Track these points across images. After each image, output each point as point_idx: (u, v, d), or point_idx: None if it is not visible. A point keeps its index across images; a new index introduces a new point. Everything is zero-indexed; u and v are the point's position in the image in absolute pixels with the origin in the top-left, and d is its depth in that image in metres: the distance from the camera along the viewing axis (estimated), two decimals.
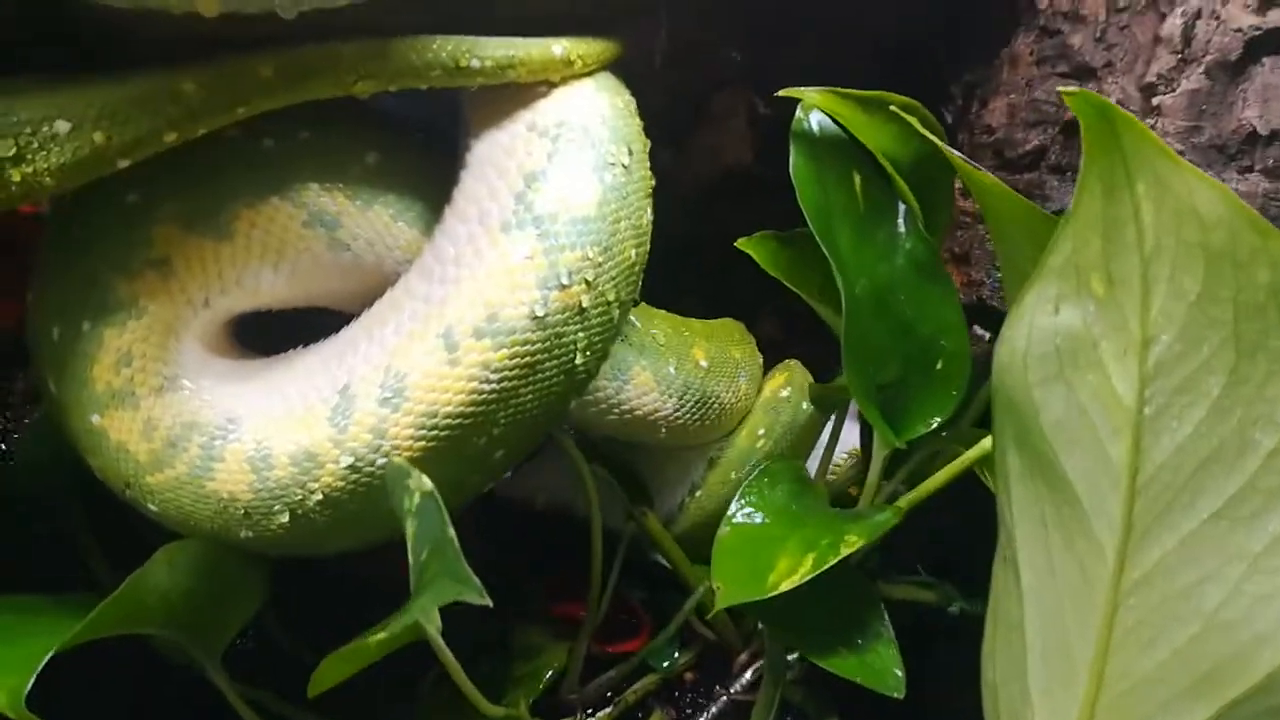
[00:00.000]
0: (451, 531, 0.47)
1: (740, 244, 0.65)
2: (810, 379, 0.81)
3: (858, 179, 0.65)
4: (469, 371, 0.56)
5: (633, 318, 0.72)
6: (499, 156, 0.59)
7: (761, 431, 0.80)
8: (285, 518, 0.56)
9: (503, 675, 0.77)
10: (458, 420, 0.56)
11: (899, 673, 0.59)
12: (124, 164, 0.50)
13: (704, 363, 0.75)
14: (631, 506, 0.74)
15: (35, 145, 0.47)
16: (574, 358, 0.59)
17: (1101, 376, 0.48)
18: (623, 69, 0.67)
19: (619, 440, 0.75)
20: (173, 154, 0.54)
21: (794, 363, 0.84)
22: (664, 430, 0.73)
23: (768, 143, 0.92)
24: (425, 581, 0.48)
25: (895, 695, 0.58)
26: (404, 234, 0.60)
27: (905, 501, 0.64)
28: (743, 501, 0.62)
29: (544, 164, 0.58)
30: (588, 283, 0.58)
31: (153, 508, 0.57)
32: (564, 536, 0.80)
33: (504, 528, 0.85)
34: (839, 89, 0.64)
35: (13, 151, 0.47)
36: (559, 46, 0.60)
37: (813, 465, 0.79)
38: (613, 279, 0.59)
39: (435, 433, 0.56)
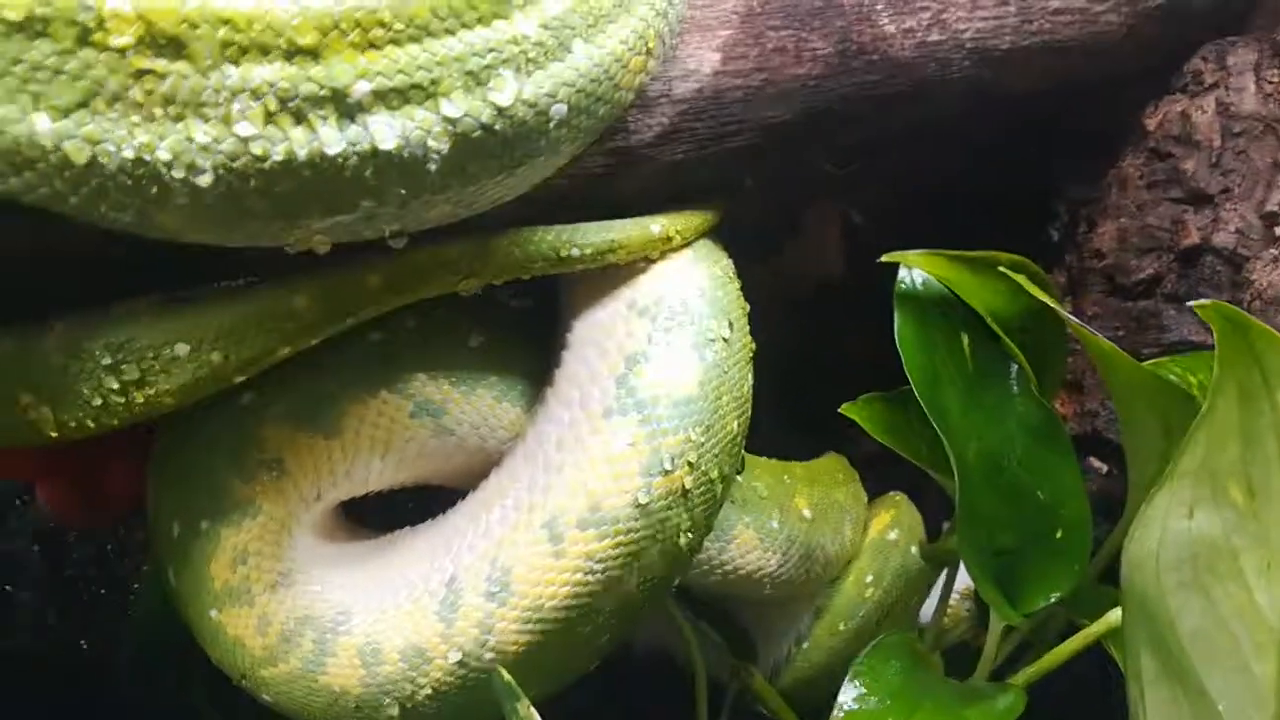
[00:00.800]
0: None
1: (846, 410, 0.64)
2: (917, 518, 0.79)
3: (965, 340, 0.64)
4: (574, 563, 0.55)
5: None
6: (599, 337, 0.59)
7: (870, 579, 0.77)
8: (395, 711, 0.56)
9: None
10: (563, 612, 0.56)
11: None
12: (240, 379, 0.51)
13: (808, 513, 0.73)
14: (735, 663, 0.73)
15: (157, 368, 0.49)
16: (678, 539, 0.58)
17: (1243, 590, 0.45)
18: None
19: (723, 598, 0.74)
20: None
21: (900, 498, 0.82)
22: (768, 587, 0.71)
23: (861, 253, 0.92)
24: None
25: None
26: (508, 414, 0.60)
27: (1025, 678, 0.61)
28: (855, 684, 0.60)
29: (644, 345, 0.58)
30: (690, 465, 0.57)
31: (267, 698, 0.58)
32: (663, 684, 0.79)
33: (599, 673, 0.84)
34: (943, 251, 0.63)
35: (136, 376, 0.49)
36: (657, 225, 0.60)
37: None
38: (715, 456, 0.59)
39: (541, 625, 0.55)
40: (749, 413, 0.63)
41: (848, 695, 0.59)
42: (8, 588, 0.77)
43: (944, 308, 0.63)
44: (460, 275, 0.54)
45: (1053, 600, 0.60)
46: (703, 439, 0.58)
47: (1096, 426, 0.77)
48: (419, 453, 0.59)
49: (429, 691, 0.55)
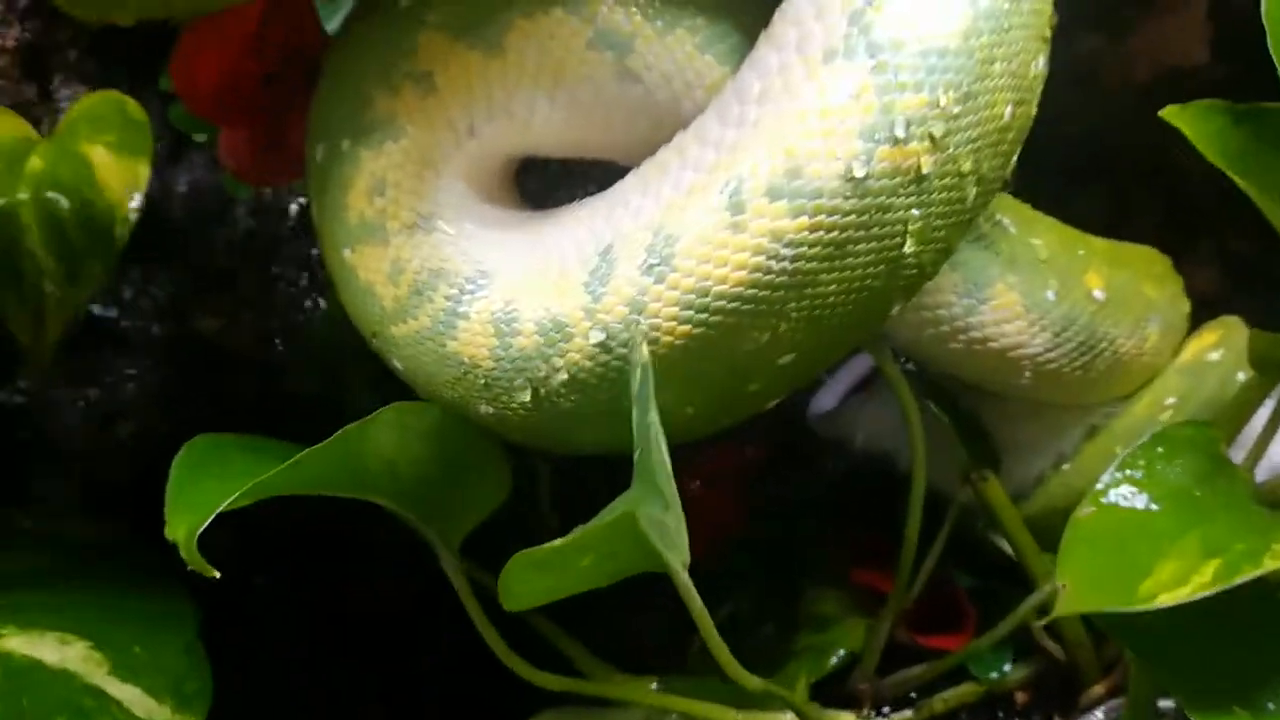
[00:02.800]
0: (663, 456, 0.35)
1: (1167, 113, 0.46)
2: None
3: None
4: (755, 241, 0.43)
5: (1006, 219, 0.55)
6: None
7: (1172, 400, 0.59)
8: (527, 396, 0.47)
9: (784, 646, 0.64)
10: (735, 303, 0.43)
11: None
12: None
13: (1099, 293, 0.56)
14: (969, 464, 0.57)
15: None
16: (902, 243, 0.44)
17: None
18: None
19: (965, 381, 0.58)
20: None
21: (1234, 320, 0.62)
22: (1028, 374, 0.55)
23: (1231, 40, 0.72)
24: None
25: None
26: (711, 71, 0.48)
27: None
28: (1121, 474, 0.44)
29: None
30: (933, 139, 0.42)
31: (397, 364, 0.50)
32: (884, 490, 0.65)
33: (811, 466, 0.72)
34: None
35: None
36: None
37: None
38: (971, 141, 0.43)
39: (705, 315, 0.44)
40: (1033, 107, 0.47)
41: (1108, 484, 0.43)
42: None
43: None
44: None
45: None
46: (957, 109, 0.43)
47: None
48: (596, 98, 0.48)
49: (565, 376, 0.46)
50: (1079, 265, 0.56)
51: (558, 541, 0.39)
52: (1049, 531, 0.57)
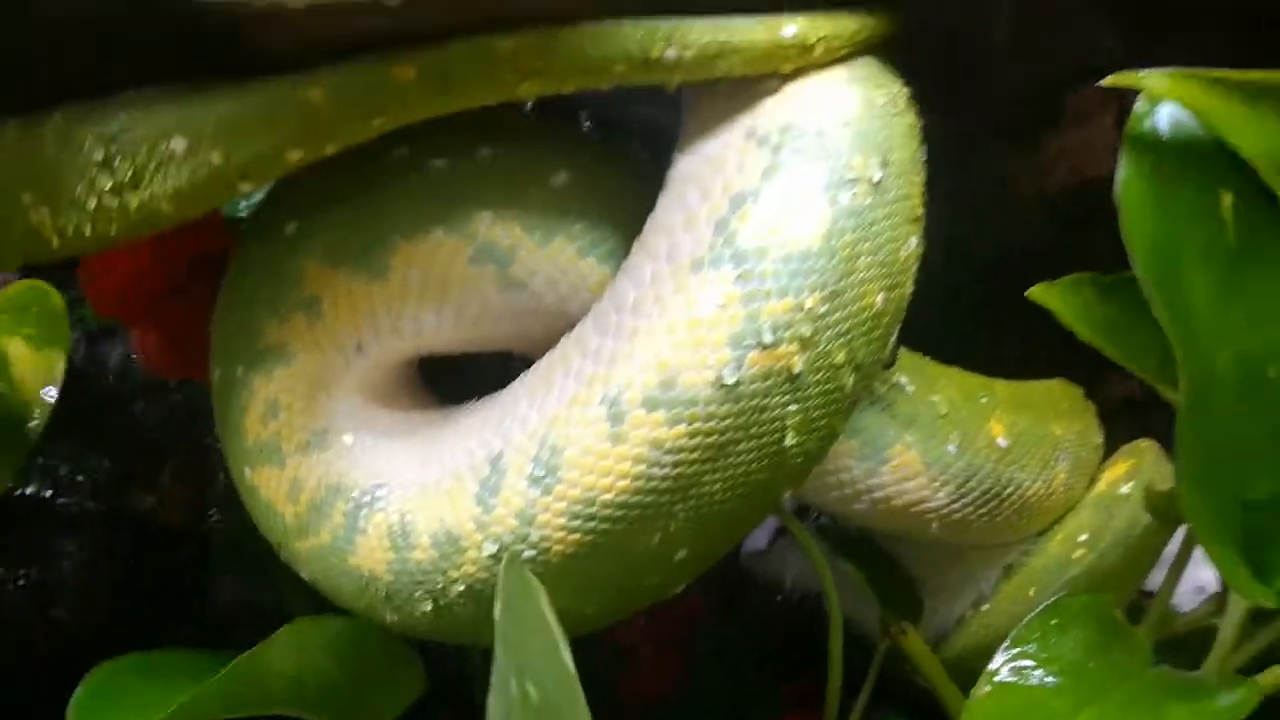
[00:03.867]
0: None
1: (1034, 294, 0.47)
2: (1168, 472, 0.60)
3: (1228, 201, 0.45)
4: (636, 451, 0.43)
5: (904, 379, 0.56)
6: (704, 173, 0.47)
7: (1084, 537, 0.60)
8: (428, 606, 0.47)
9: None
10: (621, 510, 0.44)
11: None
12: (246, 187, 0.44)
13: (1002, 441, 0.57)
14: (885, 614, 0.58)
15: (151, 167, 0.42)
16: (782, 437, 0.45)
17: None
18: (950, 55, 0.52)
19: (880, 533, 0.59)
20: (331, 178, 0.48)
21: (1148, 444, 0.63)
22: (934, 525, 0.56)
23: None
24: None
25: None
26: (594, 272, 0.49)
27: (1274, 679, 0.43)
28: (1015, 650, 0.44)
29: (757, 183, 0.45)
30: (802, 340, 0.43)
31: (305, 576, 0.51)
32: (818, 631, 0.65)
33: (748, 610, 0.72)
34: (1206, 70, 0.44)
35: (129, 174, 0.42)
36: (792, 26, 0.46)
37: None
38: (843, 334, 0.45)
39: (594, 524, 0.44)
40: (907, 288, 0.48)
41: (1003, 663, 0.44)
42: None
43: (1197, 156, 0.45)
44: (518, 75, 0.43)
45: None
46: (824, 308, 0.44)
47: None
48: (484, 309, 0.49)
49: (462, 588, 0.46)
50: (981, 415, 0.57)
51: None
52: (972, 675, 0.57)
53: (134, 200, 0.42)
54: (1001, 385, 0.60)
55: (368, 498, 0.48)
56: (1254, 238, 0.45)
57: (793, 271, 0.43)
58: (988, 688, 0.44)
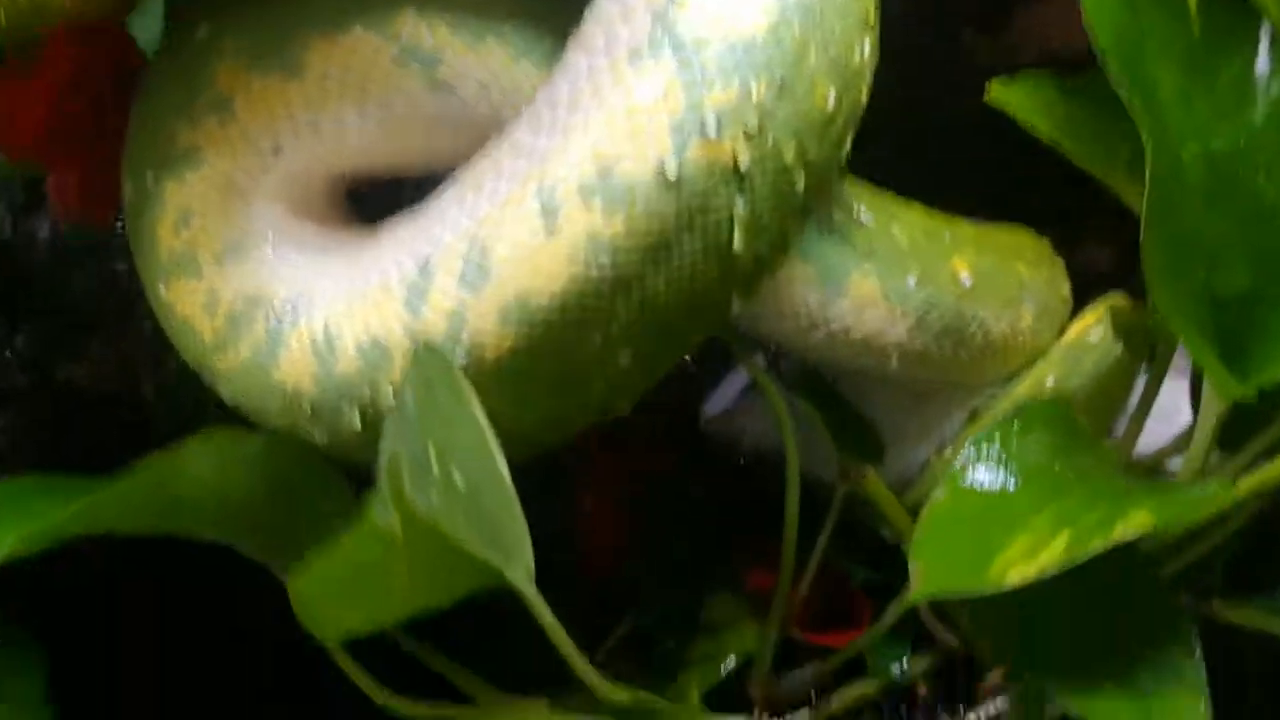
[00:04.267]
0: None
1: (994, 92, 0.45)
2: (1141, 324, 0.58)
3: None
4: (571, 245, 0.41)
5: (864, 210, 0.54)
6: None
7: (1051, 381, 0.58)
8: (357, 420, 0.45)
9: (682, 657, 0.62)
10: (557, 312, 0.42)
11: None
12: None
13: (965, 277, 0.55)
14: (843, 457, 0.56)
15: None
16: (730, 237, 0.42)
17: None
18: None
19: (841, 369, 0.57)
20: None
21: (1118, 296, 0.61)
22: (895, 360, 0.54)
23: None
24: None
25: None
26: (529, 79, 0.46)
27: (1253, 482, 0.41)
28: (977, 450, 0.42)
29: None
30: (748, 133, 0.41)
31: (227, 397, 0.48)
32: (778, 490, 0.64)
33: (709, 474, 0.70)
34: None
35: None
36: None
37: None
38: (792, 130, 0.42)
39: (528, 324, 0.42)
40: (862, 94, 0.45)
41: (964, 462, 0.42)
42: None
43: None
44: None
45: None
46: (770, 100, 0.41)
47: None
48: (411, 111, 0.46)
49: (391, 400, 0.44)
50: (943, 251, 0.55)
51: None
52: None
53: None
54: (966, 225, 0.58)
55: (289, 309, 0.46)
56: (1218, 28, 0.42)
57: (737, 60, 0.41)
58: (944, 491, 0.42)
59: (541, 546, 0.40)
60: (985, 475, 0.42)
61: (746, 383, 0.70)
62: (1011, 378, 0.59)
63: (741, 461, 0.67)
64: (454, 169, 0.49)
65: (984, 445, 0.42)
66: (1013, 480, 0.41)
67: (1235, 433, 0.43)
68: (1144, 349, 0.51)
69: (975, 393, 0.59)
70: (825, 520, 0.58)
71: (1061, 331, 0.61)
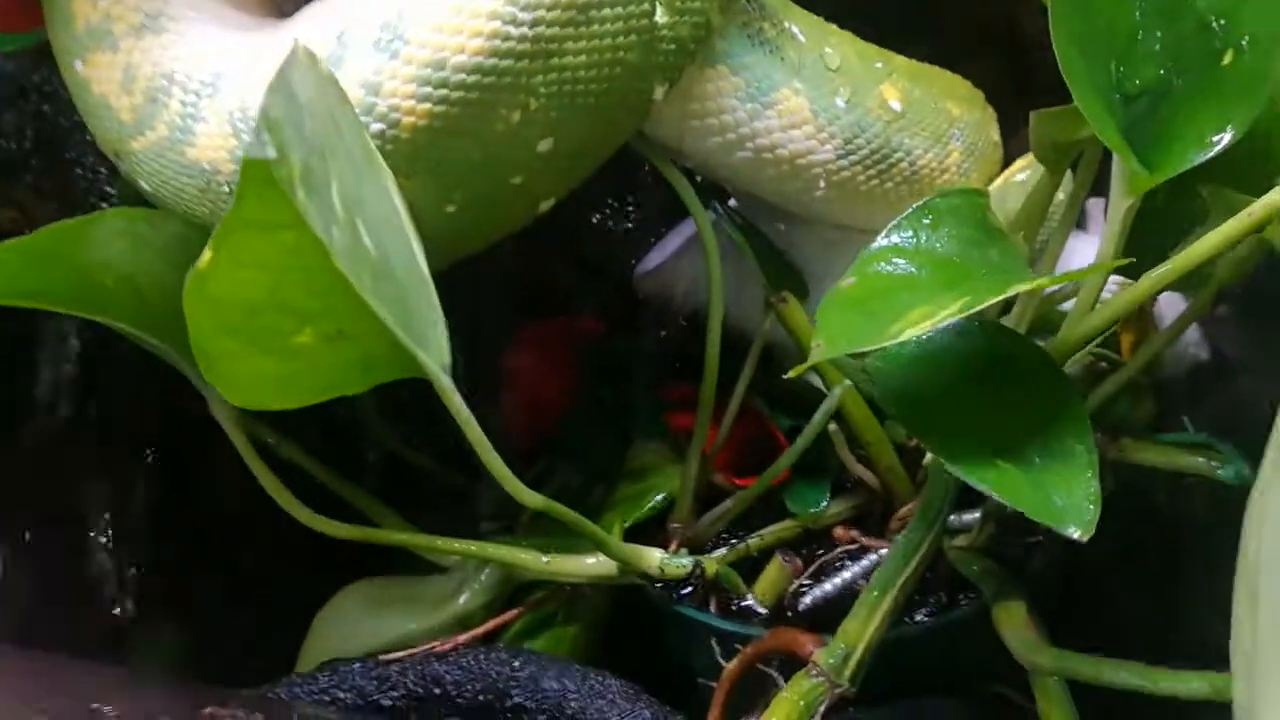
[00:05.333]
0: None
1: None
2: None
3: None
4: (491, 6, 0.40)
5: (795, 27, 0.53)
6: None
7: None
8: None
9: (609, 500, 0.62)
10: (475, 75, 0.41)
11: (1091, 507, 0.38)
12: None
13: (895, 104, 0.55)
14: (766, 288, 0.56)
15: None
16: (652, 10, 0.42)
17: None
18: None
19: (767, 201, 0.57)
20: None
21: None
22: (822, 185, 0.54)
23: None
24: None
25: (1076, 535, 0.37)
26: None
27: (1154, 278, 0.41)
28: (886, 241, 0.43)
29: None
30: None
31: (144, 185, 0.47)
32: (705, 340, 0.64)
33: (644, 335, 0.70)
34: None
35: None
36: None
37: None
38: None
39: (445, 90, 0.41)
40: None
41: (871, 256, 0.42)
42: None
43: None
44: None
45: (1213, 146, 0.40)
46: None
47: None
48: None
49: None
50: (874, 77, 0.55)
51: None
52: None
53: None
54: (901, 59, 0.58)
55: (208, 85, 0.45)
56: None
57: None
58: (852, 279, 0.42)
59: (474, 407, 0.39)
60: (895, 264, 0.42)
61: (681, 245, 0.69)
62: None
63: (676, 317, 0.67)
64: None
65: (894, 234, 0.42)
66: (923, 270, 0.41)
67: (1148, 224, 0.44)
68: (1053, 160, 0.51)
69: None
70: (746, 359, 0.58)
71: (991, 180, 0.61)
